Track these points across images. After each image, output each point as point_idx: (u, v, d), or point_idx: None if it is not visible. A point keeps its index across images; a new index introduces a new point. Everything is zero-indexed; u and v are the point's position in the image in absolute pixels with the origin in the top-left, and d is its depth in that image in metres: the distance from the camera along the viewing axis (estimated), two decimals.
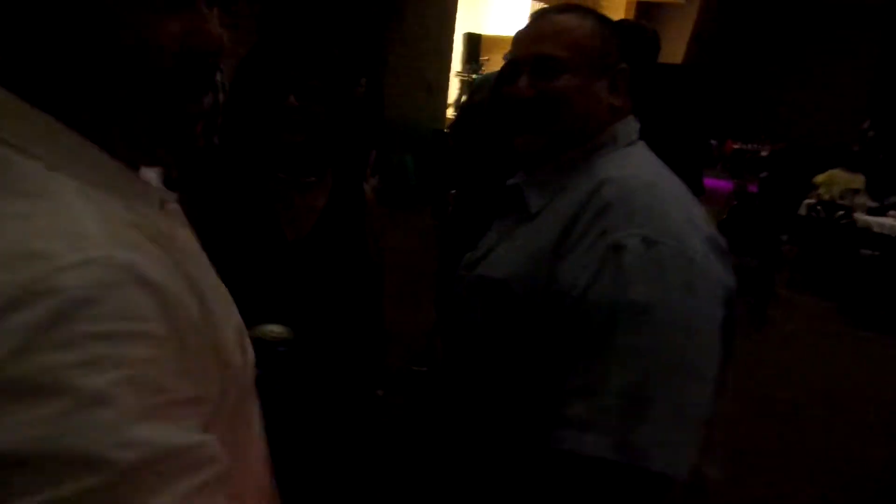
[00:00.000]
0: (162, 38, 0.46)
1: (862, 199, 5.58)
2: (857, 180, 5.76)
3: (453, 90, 7.75)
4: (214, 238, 1.10)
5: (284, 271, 1.18)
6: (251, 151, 1.20)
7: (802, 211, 5.67)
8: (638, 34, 2.10)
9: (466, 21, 8.32)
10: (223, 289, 0.59)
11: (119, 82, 0.47)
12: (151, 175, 0.73)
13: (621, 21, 2.43)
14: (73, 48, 0.45)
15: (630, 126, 0.97)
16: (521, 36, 0.99)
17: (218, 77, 2.13)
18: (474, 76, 7.47)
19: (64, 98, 0.47)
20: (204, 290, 0.50)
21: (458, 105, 3.27)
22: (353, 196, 1.31)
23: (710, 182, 3.04)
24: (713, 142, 8.56)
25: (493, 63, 8.06)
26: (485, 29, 9.19)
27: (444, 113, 6.98)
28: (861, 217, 5.26)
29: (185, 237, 0.59)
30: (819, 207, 5.47)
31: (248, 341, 0.58)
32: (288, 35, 1.17)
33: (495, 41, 8.95)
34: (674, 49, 8.68)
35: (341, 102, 1.17)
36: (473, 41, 8.20)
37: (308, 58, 1.15)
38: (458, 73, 7.97)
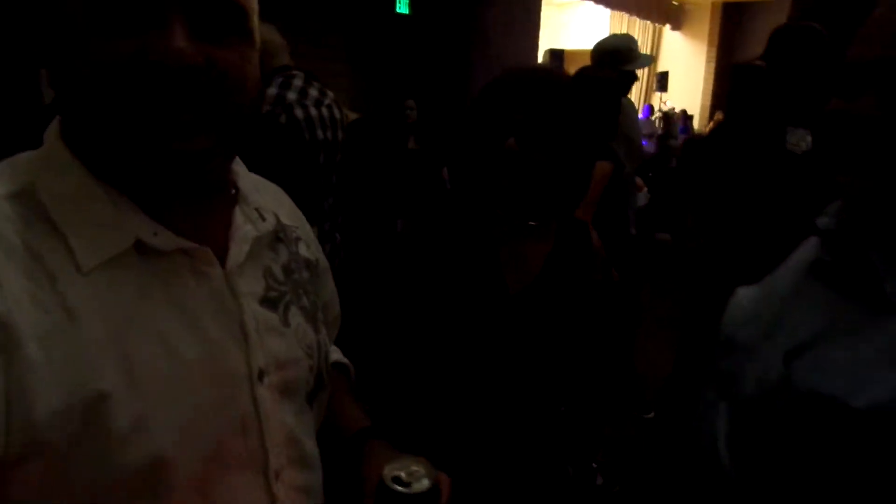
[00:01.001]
0: (115, 56, 0.51)
1: None
2: None
3: None
4: (433, 285, 1.07)
5: (505, 325, 1.08)
6: (473, 195, 1.12)
7: None
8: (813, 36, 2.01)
9: (548, 37, 8.32)
10: (145, 358, 0.54)
11: (87, 97, 0.53)
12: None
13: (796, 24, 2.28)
14: (58, 70, 0.54)
15: None
16: (870, 30, 0.66)
17: (337, 114, 2.13)
18: None
19: (69, 121, 0.57)
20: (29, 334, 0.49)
21: None
22: (579, 242, 1.19)
23: None
24: None
25: None
26: (566, 44, 9.15)
27: None
28: None
29: (139, 285, 0.55)
30: None
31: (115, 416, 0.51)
32: (508, 79, 1.09)
33: (577, 56, 8.89)
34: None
35: (565, 145, 1.05)
36: (556, 57, 8.18)
37: (529, 101, 1.05)
38: None
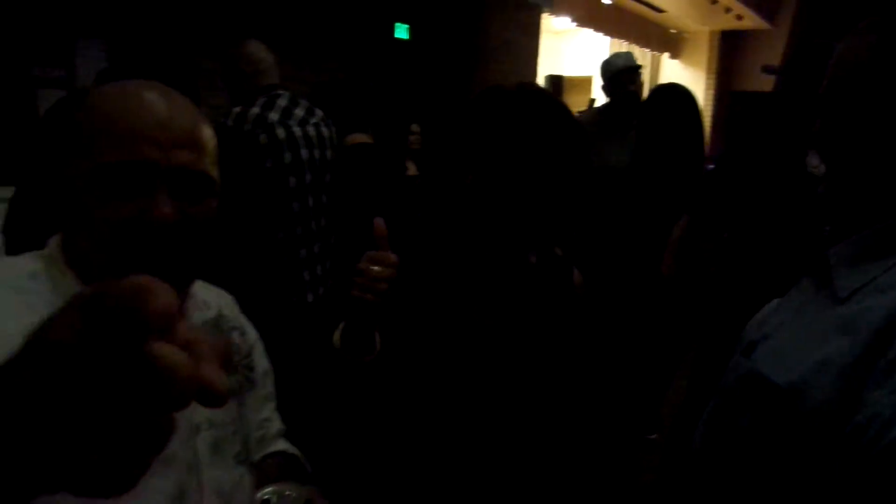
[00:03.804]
0: (116, 216, 0.69)
1: None
2: None
3: None
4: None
5: (476, 360, 1.02)
6: (444, 230, 1.08)
7: None
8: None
9: (548, 64, 8.37)
10: None
11: (94, 244, 0.71)
12: None
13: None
14: (76, 229, 0.74)
15: None
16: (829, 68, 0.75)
17: (325, 132, 2.11)
18: None
19: (80, 259, 0.75)
20: None
21: None
22: (556, 282, 1.10)
23: None
24: None
25: (576, 104, 8.05)
26: (566, 70, 9.22)
27: None
28: None
29: None
30: None
31: None
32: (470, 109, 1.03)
33: (576, 82, 8.95)
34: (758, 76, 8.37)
35: (522, 177, 0.95)
36: (555, 83, 8.24)
37: (485, 131, 0.98)
38: None
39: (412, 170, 4.82)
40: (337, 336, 0.95)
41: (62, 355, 0.30)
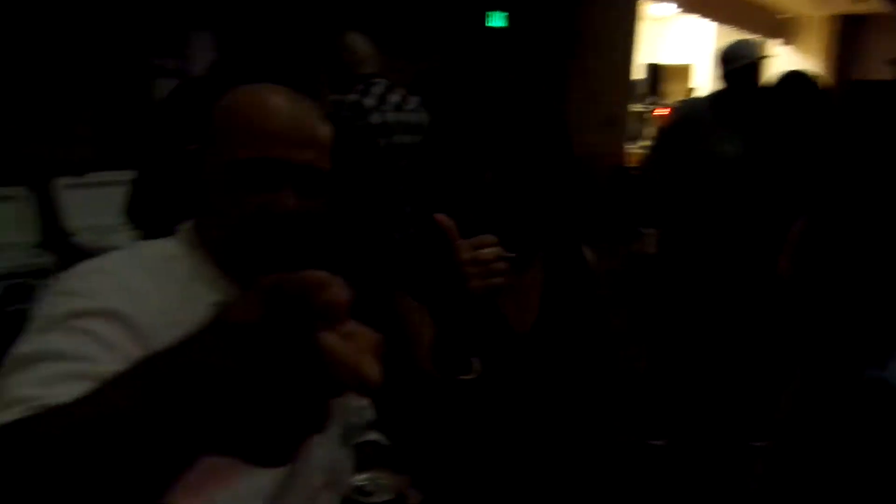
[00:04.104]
0: (243, 208, 0.78)
1: None
2: None
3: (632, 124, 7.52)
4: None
5: (518, 367, 1.01)
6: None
7: None
8: None
9: (645, 51, 8.11)
10: None
11: (224, 231, 0.80)
12: None
13: None
14: (209, 216, 0.83)
15: None
16: None
17: (424, 119, 2.15)
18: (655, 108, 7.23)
19: (213, 243, 0.83)
20: None
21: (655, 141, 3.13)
22: (573, 268, 1.11)
23: None
24: None
25: (674, 93, 7.74)
26: (668, 58, 8.89)
27: (623, 148, 6.81)
28: None
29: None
30: None
31: None
32: (480, 111, 1.10)
33: (677, 71, 8.62)
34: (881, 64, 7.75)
35: (542, 172, 0.99)
36: (654, 72, 7.97)
37: (506, 134, 1.01)
38: (638, 104, 7.73)
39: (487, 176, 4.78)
40: (427, 358, 0.92)
41: (243, 335, 0.33)
